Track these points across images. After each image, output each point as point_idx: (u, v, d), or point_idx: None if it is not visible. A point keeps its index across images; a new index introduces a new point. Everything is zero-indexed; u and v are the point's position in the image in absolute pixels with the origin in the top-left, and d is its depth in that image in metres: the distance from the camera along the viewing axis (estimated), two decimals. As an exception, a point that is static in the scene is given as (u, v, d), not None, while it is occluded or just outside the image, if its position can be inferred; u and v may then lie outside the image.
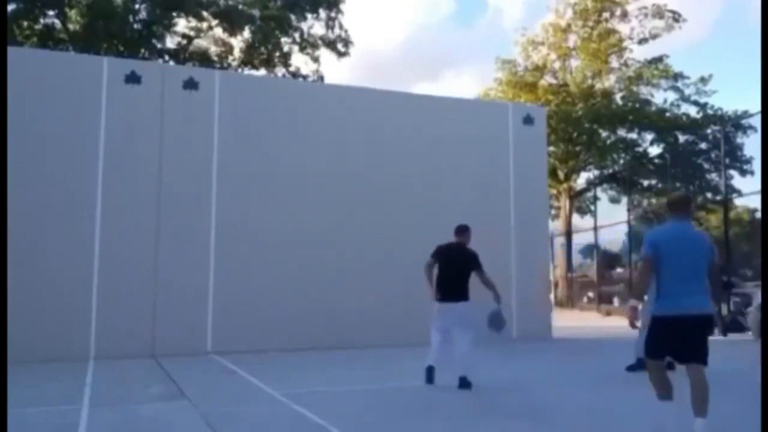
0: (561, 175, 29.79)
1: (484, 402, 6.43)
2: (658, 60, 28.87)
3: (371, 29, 77.55)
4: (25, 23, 23.58)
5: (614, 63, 29.62)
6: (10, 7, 21.70)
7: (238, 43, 26.78)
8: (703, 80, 28.42)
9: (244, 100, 11.30)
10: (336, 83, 19.94)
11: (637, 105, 28.95)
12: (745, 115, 26.62)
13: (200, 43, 27.00)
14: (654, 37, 29.21)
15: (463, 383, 6.98)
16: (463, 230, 7.77)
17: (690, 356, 4.71)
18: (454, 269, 7.42)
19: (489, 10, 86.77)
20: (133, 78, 10.63)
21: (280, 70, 26.87)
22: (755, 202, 23.69)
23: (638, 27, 29.28)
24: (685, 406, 4.73)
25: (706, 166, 27.83)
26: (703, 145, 27.90)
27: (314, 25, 27.23)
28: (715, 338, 13.59)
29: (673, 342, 4.63)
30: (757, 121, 21.61)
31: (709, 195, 27.21)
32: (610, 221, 24.12)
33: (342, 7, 26.96)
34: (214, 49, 26.96)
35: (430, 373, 7.25)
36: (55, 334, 9.46)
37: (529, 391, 7.05)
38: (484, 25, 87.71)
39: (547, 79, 30.51)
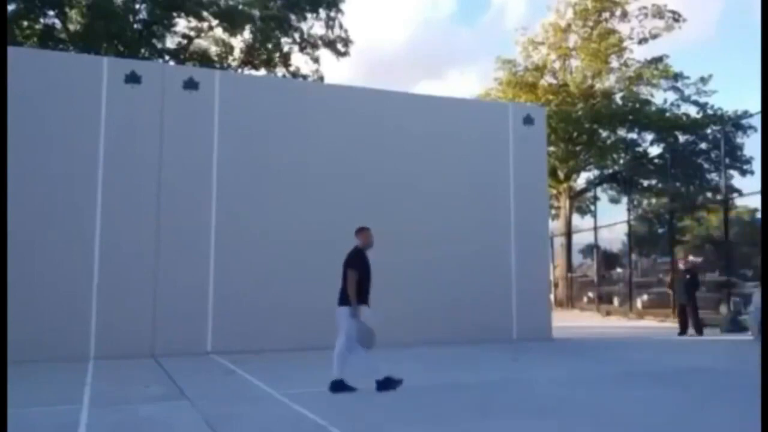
0: (561, 175, 29.80)
1: (483, 402, 6.43)
2: (658, 60, 28.88)
3: (373, 27, 77.62)
4: (25, 23, 23.58)
5: (614, 63, 29.63)
6: (10, 7, 21.70)
7: (238, 43, 26.82)
8: (703, 80, 28.46)
9: (244, 100, 11.30)
10: (336, 83, 19.94)
11: (637, 105, 28.96)
12: (745, 115, 26.63)
13: (200, 43, 27.02)
14: (654, 37, 29.23)
15: (331, 385, 6.73)
16: (355, 232, 7.27)
17: None
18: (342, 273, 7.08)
19: (491, 9, 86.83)
20: (133, 78, 10.63)
21: (280, 70, 26.89)
22: (755, 202, 23.69)
23: (638, 27, 29.31)
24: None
25: (706, 166, 27.82)
26: (703, 145, 27.90)
27: (314, 25, 27.28)
28: (715, 338, 13.66)
29: None
30: (757, 121, 21.63)
31: (709, 195, 27.24)
32: (611, 221, 24.15)
33: (342, 7, 27.02)
34: (214, 50, 26.97)
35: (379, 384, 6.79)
36: (55, 334, 9.46)
37: (529, 391, 7.05)
38: (486, 23, 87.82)
39: (547, 79, 30.52)
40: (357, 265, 6.98)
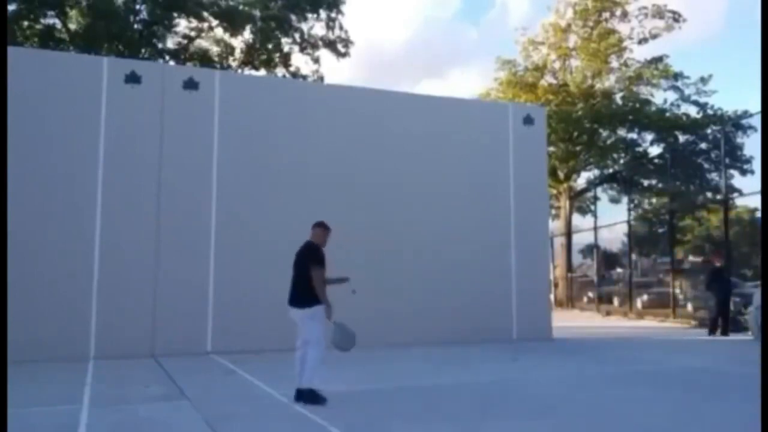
0: (561, 175, 29.81)
1: (483, 402, 6.43)
2: (658, 60, 28.90)
3: (376, 26, 77.69)
4: (25, 23, 23.58)
5: (614, 63, 29.65)
6: (10, 7, 21.70)
7: (238, 43, 26.82)
8: (703, 80, 28.47)
9: (244, 100, 11.29)
10: (336, 83, 19.93)
11: (637, 105, 28.97)
12: (745, 115, 26.65)
13: (201, 43, 27.02)
14: (654, 37, 29.26)
15: (299, 395, 6.15)
16: (312, 227, 6.78)
17: None
18: (294, 272, 6.72)
19: (495, 7, 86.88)
20: (133, 78, 10.63)
21: (280, 71, 26.89)
22: (755, 201, 23.70)
23: (638, 27, 29.34)
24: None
25: (706, 165, 27.85)
26: (703, 145, 27.93)
27: (314, 26, 27.30)
28: (715, 338, 13.65)
29: None
30: (757, 121, 21.63)
31: (709, 194, 27.26)
32: (611, 221, 24.17)
33: (342, 7, 27.02)
34: (215, 50, 26.98)
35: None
36: (55, 334, 9.46)
37: (529, 392, 7.05)
38: (490, 21, 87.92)
39: (547, 79, 30.54)
40: (321, 260, 6.42)
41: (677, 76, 28.73)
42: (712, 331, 13.71)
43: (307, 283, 6.45)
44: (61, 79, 10.27)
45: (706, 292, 14.54)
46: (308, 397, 6.12)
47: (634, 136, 30.09)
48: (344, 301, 10.61)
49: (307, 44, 27.10)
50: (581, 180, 32.12)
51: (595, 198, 27.82)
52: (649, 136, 29.71)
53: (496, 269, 12.49)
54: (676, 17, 28.97)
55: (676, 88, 28.96)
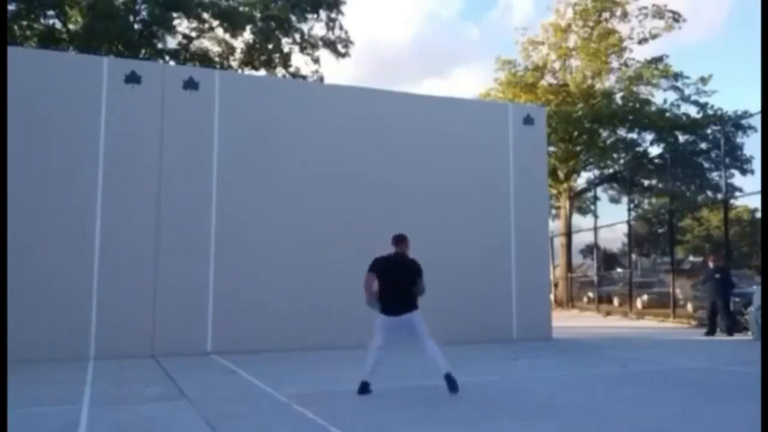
0: (561, 175, 29.81)
1: (484, 402, 6.43)
2: (658, 60, 28.92)
3: (379, 25, 77.69)
4: (25, 23, 23.57)
5: (614, 63, 29.66)
6: (10, 7, 21.69)
7: (238, 43, 26.83)
8: (703, 80, 28.48)
9: (244, 100, 11.29)
10: (336, 83, 19.93)
11: (637, 105, 28.98)
12: (745, 115, 26.67)
13: (201, 43, 27.02)
14: (654, 37, 29.29)
15: (449, 381, 6.69)
16: (399, 240, 7.43)
17: None
18: (402, 282, 7.16)
19: (498, 6, 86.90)
20: (133, 78, 10.62)
21: (280, 71, 26.89)
22: (755, 201, 23.72)
23: (638, 27, 29.37)
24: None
25: (706, 165, 27.88)
26: (703, 145, 27.94)
27: (314, 26, 27.31)
28: (718, 338, 13.64)
29: None
30: (757, 121, 21.65)
31: (709, 193, 27.29)
32: (611, 221, 24.17)
33: (342, 8, 27.05)
34: (215, 50, 26.99)
35: (364, 387, 6.67)
36: (55, 334, 9.46)
37: (530, 392, 7.04)
38: (492, 21, 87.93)
39: (547, 79, 30.55)
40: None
41: (677, 76, 28.74)
42: (710, 332, 13.70)
43: (411, 291, 7.20)
44: (61, 79, 10.27)
45: (701, 291, 14.56)
46: (452, 381, 6.64)
47: (634, 136, 30.11)
48: (344, 299, 10.57)
49: (307, 44, 27.12)
50: (581, 180, 32.17)
51: (595, 198, 27.85)
52: (649, 136, 29.74)
53: (496, 269, 12.49)
54: (676, 17, 29.00)
55: (676, 88, 28.98)
